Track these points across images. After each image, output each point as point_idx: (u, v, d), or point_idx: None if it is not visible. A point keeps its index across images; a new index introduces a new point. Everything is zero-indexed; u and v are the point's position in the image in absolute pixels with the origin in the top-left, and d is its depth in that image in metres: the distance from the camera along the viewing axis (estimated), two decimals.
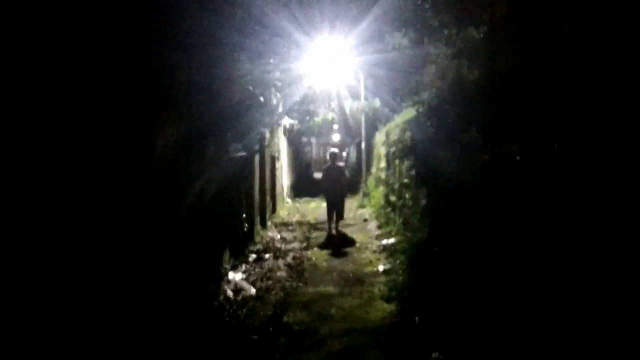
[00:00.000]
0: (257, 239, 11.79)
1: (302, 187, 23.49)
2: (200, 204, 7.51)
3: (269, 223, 13.94)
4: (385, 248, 10.38)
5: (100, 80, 4.67)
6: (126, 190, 4.93)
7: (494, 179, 5.18)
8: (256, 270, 9.19)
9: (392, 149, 12.78)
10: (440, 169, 7.27)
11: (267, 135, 14.30)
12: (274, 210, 15.74)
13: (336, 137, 26.31)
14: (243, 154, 10.08)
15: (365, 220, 14.67)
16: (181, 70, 6.83)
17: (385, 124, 15.33)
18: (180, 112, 6.73)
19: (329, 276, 8.85)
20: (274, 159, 15.85)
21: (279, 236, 12.64)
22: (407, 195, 10.13)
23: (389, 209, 13.12)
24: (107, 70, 4.76)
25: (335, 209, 12.90)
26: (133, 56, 5.07)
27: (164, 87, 5.92)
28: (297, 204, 20.23)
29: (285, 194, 19.64)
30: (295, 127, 20.20)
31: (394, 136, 12.47)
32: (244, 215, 10.67)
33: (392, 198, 12.47)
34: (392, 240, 10.81)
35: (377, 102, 15.92)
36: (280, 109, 16.01)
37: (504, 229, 4.95)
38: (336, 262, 9.89)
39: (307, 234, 13.03)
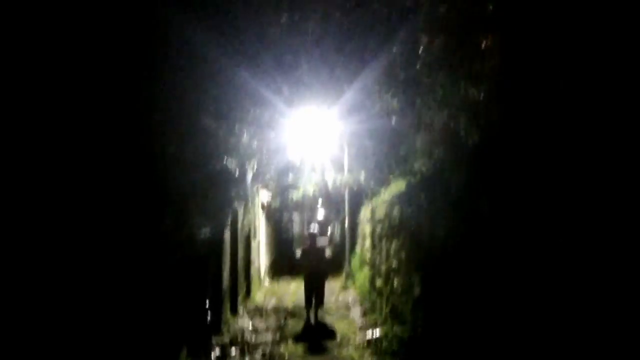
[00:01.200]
0: (225, 329, 10.24)
1: (283, 267, 21.91)
2: (152, 295, 6.12)
3: (240, 309, 12.39)
4: (370, 343, 8.89)
5: None
6: None
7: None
8: None
9: (378, 228, 11.51)
10: (436, 251, 5.99)
11: (241, 211, 13.01)
12: (248, 293, 14.20)
13: (321, 213, 24.99)
14: (207, 234, 8.74)
15: (349, 305, 13.16)
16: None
17: (371, 199, 14.12)
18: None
19: None
20: (249, 237, 14.47)
21: (250, 325, 11.08)
22: (395, 281, 8.76)
23: (374, 294, 11.68)
24: None
25: (315, 295, 11.45)
26: None
27: None
28: (276, 286, 18.63)
29: (262, 274, 18.11)
30: (274, 203, 18.93)
31: (380, 213, 11.24)
32: (209, 304, 9.18)
33: (379, 283, 11.07)
34: (378, 331, 9.34)
35: (362, 175, 14.79)
36: (257, 182, 14.82)
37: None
38: None
39: (283, 322, 11.47)
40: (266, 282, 18.70)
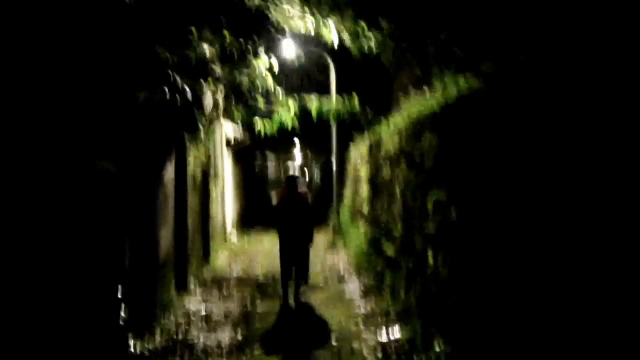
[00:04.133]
0: (160, 322, 6.78)
1: (255, 216, 18.43)
2: None
3: (192, 283, 8.91)
4: (388, 351, 5.52)
5: None
6: None
7: None
8: None
9: (385, 168, 7.97)
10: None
11: (194, 148, 9.38)
12: (206, 256, 10.70)
13: (299, 153, 21.27)
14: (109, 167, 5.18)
15: (341, 276, 9.72)
16: None
17: (368, 131, 10.54)
18: None
19: None
20: (206, 182, 10.86)
21: (203, 311, 7.63)
22: (432, 258, 5.27)
23: (380, 263, 8.25)
24: None
25: (296, 266, 7.98)
26: None
27: None
28: (246, 242, 15.19)
29: (228, 228, 14.61)
30: (243, 139, 15.23)
31: (389, 147, 7.68)
32: (124, 288, 5.62)
33: (389, 249, 7.60)
34: (397, 330, 5.97)
35: (355, 101, 11.14)
36: (218, 111, 11.11)
37: None
38: None
39: (249, 304, 8.02)
40: (233, 237, 15.23)
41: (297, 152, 21.07)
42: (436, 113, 5.09)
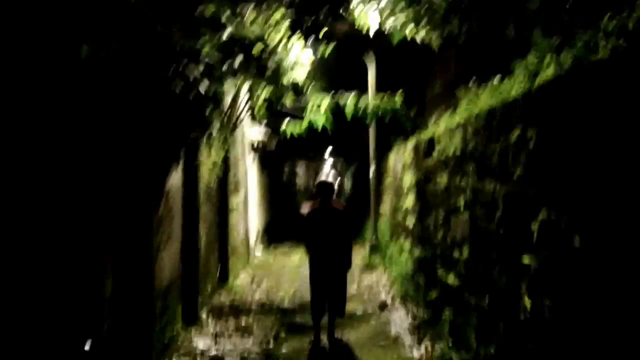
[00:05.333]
0: None
1: (282, 228, 16.94)
2: None
3: (204, 312, 7.44)
4: None
5: None
6: None
7: None
8: None
9: (442, 175, 6.39)
10: None
11: (208, 150, 7.98)
12: (224, 277, 9.24)
13: (329, 161, 19.68)
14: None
15: (384, 305, 8.12)
16: None
17: (413, 134, 8.97)
18: None
19: None
20: (224, 191, 9.41)
21: (213, 350, 6.14)
22: (528, 300, 3.68)
23: (433, 291, 6.64)
24: None
25: (330, 296, 6.42)
26: None
27: None
28: (271, 258, 13.71)
29: (252, 242, 13.15)
30: (269, 143, 13.78)
31: (448, 148, 6.10)
32: (99, 329, 4.16)
33: (447, 276, 5.99)
34: None
35: (398, 98, 9.58)
36: (242, 111, 9.72)
37: None
38: None
39: (272, 343, 6.49)
40: (258, 252, 13.78)
41: (328, 158, 19.54)
42: (542, 91, 3.50)
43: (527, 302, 3.66)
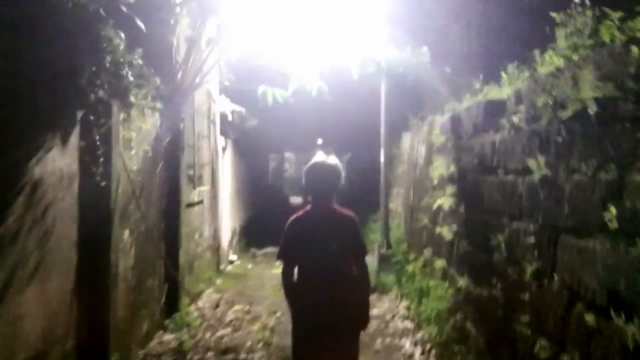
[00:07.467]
0: None
1: (266, 227, 13.83)
2: None
3: None
4: None
5: None
6: None
7: None
8: None
9: (540, 160, 3.55)
10: None
11: (137, 121, 5.13)
12: (172, 306, 6.39)
13: (321, 148, 16.88)
14: None
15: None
16: None
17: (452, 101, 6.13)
18: None
19: None
20: (176, 182, 6.54)
21: None
22: None
23: (505, 353, 3.81)
24: None
25: None
26: None
27: None
28: (249, 264, 10.89)
29: (226, 245, 10.30)
30: (247, 120, 10.96)
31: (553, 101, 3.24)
32: None
33: (536, 343, 3.16)
34: None
35: (424, 51, 6.67)
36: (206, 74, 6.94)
37: None
38: None
39: None
40: (233, 258, 10.96)
41: (319, 145, 16.72)
42: None
43: None
